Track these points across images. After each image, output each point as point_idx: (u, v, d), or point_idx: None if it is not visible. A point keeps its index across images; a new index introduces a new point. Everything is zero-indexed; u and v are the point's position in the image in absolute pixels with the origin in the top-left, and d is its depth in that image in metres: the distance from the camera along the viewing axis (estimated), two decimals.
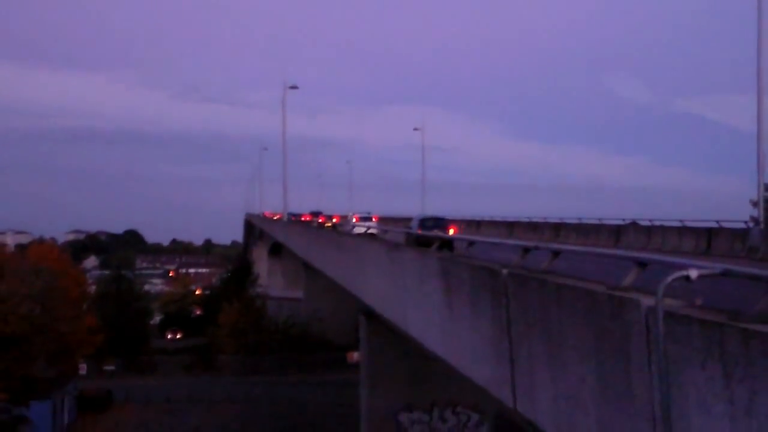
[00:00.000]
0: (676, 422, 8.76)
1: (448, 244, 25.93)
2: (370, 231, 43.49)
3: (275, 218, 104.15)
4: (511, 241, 26.93)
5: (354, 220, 62.35)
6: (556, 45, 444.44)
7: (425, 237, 30.31)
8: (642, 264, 11.34)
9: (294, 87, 73.08)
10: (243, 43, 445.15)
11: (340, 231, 56.11)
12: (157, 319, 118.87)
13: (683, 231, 32.05)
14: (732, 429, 7.87)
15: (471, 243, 20.97)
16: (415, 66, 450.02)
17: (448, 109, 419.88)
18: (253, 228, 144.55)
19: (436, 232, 31.84)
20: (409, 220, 42.62)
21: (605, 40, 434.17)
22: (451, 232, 34.37)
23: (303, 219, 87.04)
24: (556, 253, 14.73)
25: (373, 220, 60.76)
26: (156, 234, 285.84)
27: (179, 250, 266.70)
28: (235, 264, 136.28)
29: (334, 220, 74.99)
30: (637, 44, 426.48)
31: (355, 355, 68.44)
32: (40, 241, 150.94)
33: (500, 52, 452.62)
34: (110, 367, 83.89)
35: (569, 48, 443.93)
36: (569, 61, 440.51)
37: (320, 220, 80.00)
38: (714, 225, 30.18)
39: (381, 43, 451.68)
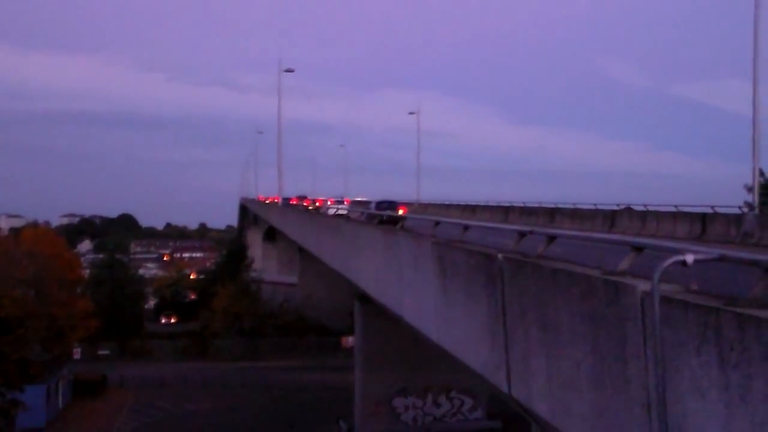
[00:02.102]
0: (672, 407, 8.75)
1: (397, 220, 32.56)
2: (341, 212, 51.00)
3: (268, 201, 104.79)
4: (506, 226, 27.07)
5: (329, 202, 72.07)
6: (553, 29, 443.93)
7: (380, 215, 36.40)
8: (638, 248, 11.30)
9: (289, 70, 72.74)
10: (238, 26, 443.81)
11: (321, 212, 58.94)
12: (151, 303, 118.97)
13: (678, 216, 31.94)
14: (727, 414, 7.87)
15: (466, 228, 20.90)
16: (412, 50, 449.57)
17: (444, 93, 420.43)
18: (248, 212, 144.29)
19: (389, 212, 38.10)
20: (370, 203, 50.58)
21: (602, 24, 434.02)
22: (401, 212, 41.00)
23: (291, 202, 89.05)
24: (552, 238, 14.67)
25: (345, 202, 72.39)
26: (150, 218, 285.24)
27: (174, 234, 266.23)
28: (229, 248, 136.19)
29: (316, 204, 76.86)
30: (634, 29, 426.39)
31: (349, 340, 68.96)
32: (34, 225, 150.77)
33: (497, 36, 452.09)
34: (105, 352, 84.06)
35: (566, 33, 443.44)
36: (566, 46, 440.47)
37: (305, 203, 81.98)
38: (709, 210, 30.06)
39: (377, 27, 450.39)
